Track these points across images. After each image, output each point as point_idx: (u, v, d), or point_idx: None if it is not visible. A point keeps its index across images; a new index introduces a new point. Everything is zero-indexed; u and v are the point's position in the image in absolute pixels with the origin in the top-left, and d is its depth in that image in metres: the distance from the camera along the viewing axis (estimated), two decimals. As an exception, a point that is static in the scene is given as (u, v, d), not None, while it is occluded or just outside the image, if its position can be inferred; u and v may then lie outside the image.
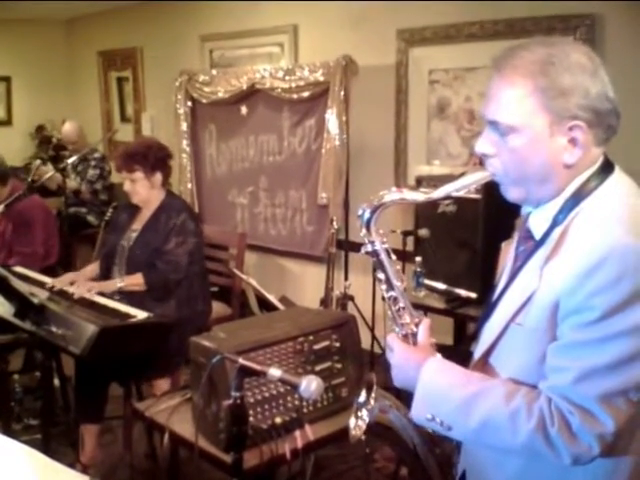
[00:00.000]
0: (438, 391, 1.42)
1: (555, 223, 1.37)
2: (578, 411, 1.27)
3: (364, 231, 1.54)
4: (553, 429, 1.28)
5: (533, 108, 1.32)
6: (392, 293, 1.57)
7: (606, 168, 1.37)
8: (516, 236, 1.57)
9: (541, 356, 1.34)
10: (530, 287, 1.37)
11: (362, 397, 1.60)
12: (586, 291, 1.25)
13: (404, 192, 1.51)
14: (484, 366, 1.48)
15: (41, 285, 3.51)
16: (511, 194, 1.43)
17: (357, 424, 1.58)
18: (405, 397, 1.56)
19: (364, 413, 1.58)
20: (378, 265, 1.57)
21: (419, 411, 1.44)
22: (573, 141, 1.32)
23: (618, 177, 1.38)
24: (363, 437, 1.57)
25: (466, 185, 1.47)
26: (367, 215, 1.52)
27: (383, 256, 1.56)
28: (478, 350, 1.51)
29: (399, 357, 1.53)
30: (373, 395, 1.57)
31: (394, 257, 1.58)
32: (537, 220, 1.44)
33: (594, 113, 1.31)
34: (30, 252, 4.43)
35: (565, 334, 1.30)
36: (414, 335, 1.57)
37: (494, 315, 1.49)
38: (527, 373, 1.38)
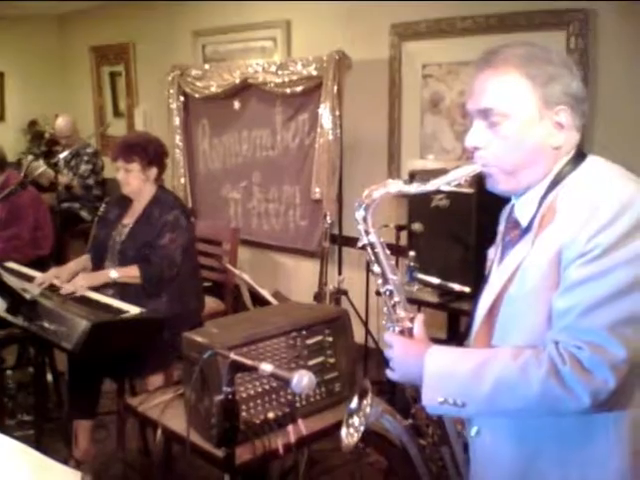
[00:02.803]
0: (445, 372, 1.44)
1: (540, 206, 1.45)
2: (587, 345, 1.29)
3: (361, 222, 1.59)
4: (565, 367, 1.29)
5: (525, 94, 1.42)
6: (388, 287, 1.61)
7: (580, 155, 1.47)
8: (502, 229, 1.63)
9: (546, 315, 1.38)
10: (519, 257, 1.43)
11: (354, 404, 1.61)
12: (586, 235, 1.30)
13: (396, 184, 1.56)
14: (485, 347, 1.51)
15: (33, 280, 3.49)
16: (501, 185, 1.49)
17: (349, 432, 1.59)
18: (399, 400, 1.57)
19: (355, 420, 1.58)
20: (374, 258, 1.61)
21: (430, 397, 1.45)
22: (559, 124, 1.43)
23: (593, 159, 1.47)
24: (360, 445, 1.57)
25: (457, 177, 1.52)
26: (363, 208, 1.58)
27: (379, 249, 1.60)
28: (472, 331, 1.56)
29: (400, 351, 1.55)
30: (367, 402, 1.57)
31: (388, 252, 1.63)
32: (523, 208, 1.50)
33: (574, 99, 1.43)
34: (13, 235, 4.42)
35: (569, 277, 1.33)
36: (409, 330, 1.60)
37: (483, 298, 1.55)
38: (535, 336, 1.40)
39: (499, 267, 1.52)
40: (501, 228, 1.64)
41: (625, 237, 1.29)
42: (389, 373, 1.56)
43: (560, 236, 1.34)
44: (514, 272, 1.42)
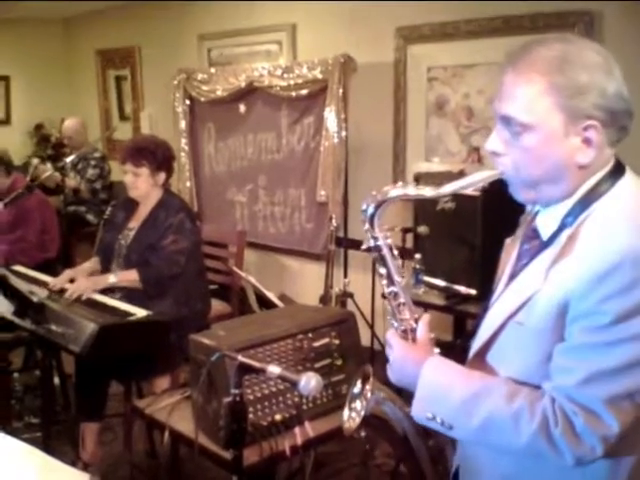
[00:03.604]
0: (439, 390, 1.41)
1: (564, 225, 1.35)
2: (582, 412, 1.26)
3: (367, 226, 1.54)
4: (557, 430, 1.27)
5: (549, 106, 1.29)
6: (393, 288, 1.57)
7: (617, 170, 1.35)
8: (520, 234, 1.55)
9: (545, 356, 1.33)
10: (533, 287, 1.34)
11: (357, 388, 1.61)
12: (599, 295, 1.23)
13: (410, 188, 1.49)
14: (480, 364, 1.46)
15: (41, 283, 3.51)
16: (521, 195, 1.41)
17: (350, 416, 1.58)
18: (404, 392, 1.56)
19: (357, 404, 1.58)
20: (380, 260, 1.57)
21: (419, 410, 1.43)
22: (587, 141, 1.30)
23: (629, 179, 1.35)
24: (363, 434, 1.57)
25: (474, 183, 1.44)
26: (371, 210, 1.52)
27: (385, 251, 1.56)
28: (474, 346, 1.50)
29: (398, 354, 1.52)
30: (369, 387, 1.56)
31: (396, 252, 1.59)
32: (545, 220, 1.41)
33: (609, 113, 1.29)
34: (20, 238, 4.45)
35: (574, 336, 1.28)
36: (413, 331, 1.56)
37: (492, 311, 1.48)
38: (529, 373, 1.36)
39: (511, 285, 1.45)
40: (523, 221, 1.56)
41: (636, 311, 1.22)
42: (389, 373, 1.54)
43: (572, 279, 1.26)
44: (525, 302, 1.35)
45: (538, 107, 1.29)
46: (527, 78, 1.30)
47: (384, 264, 1.57)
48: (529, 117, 1.30)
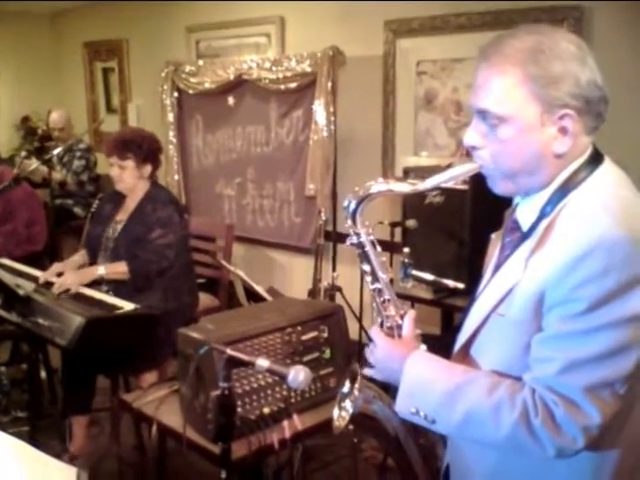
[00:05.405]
0: (422, 385, 1.41)
1: (543, 215, 1.36)
2: (562, 402, 1.26)
3: (350, 222, 1.54)
4: (537, 420, 1.27)
5: (524, 97, 1.29)
6: (377, 285, 1.57)
7: (595, 158, 1.36)
8: (504, 227, 1.55)
9: (525, 347, 1.33)
10: (513, 278, 1.35)
11: (346, 387, 1.61)
12: (572, 282, 1.23)
13: (390, 183, 1.50)
14: (465, 358, 1.47)
15: (28, 277, 3.48)
16: (499, 187, 1.41)
17: (340, 415, 1.58)
18: (391, 389, 1.56)
19: (347, 404, 1.58)
20: (363, 257, 1.57)
21: (403, 405, 1.43)
22: (563, 130, 1.31)
23: (607, 168, 1.36)
24: (350, 427, 1.57)
25: (453, 177, 1.45)
26: (353, 206, 1.52)
27: (368, 248, 1.56)
28: (459, 341, 1.50)
29: (382, 351, 1.53)
30: (357, 386, 1.57)
31: (379, 249, 1.58)
32: (525, 211, 1.42)
33: (584, 101, 1.29)
34: (10, 231, 4.43)
35: (551, 325, 1.28)
36: (399, 327, 1.57)
37: (476, 305, 1.48)
38: (510, 365, 1.37)
39: (494, 278, 1.45)
40: (507, 215, 1.55)
41: (611, 296, 1.21)
42: (369, 371, 1.55)
43: (548, 270, 1.27)
44: (506, 294, 1.36)
45: (513, 99, 1.30)
46: (501, 70, 1.31)
47: (367, 261, 1.57)
48: (505, 109, 1.31)
